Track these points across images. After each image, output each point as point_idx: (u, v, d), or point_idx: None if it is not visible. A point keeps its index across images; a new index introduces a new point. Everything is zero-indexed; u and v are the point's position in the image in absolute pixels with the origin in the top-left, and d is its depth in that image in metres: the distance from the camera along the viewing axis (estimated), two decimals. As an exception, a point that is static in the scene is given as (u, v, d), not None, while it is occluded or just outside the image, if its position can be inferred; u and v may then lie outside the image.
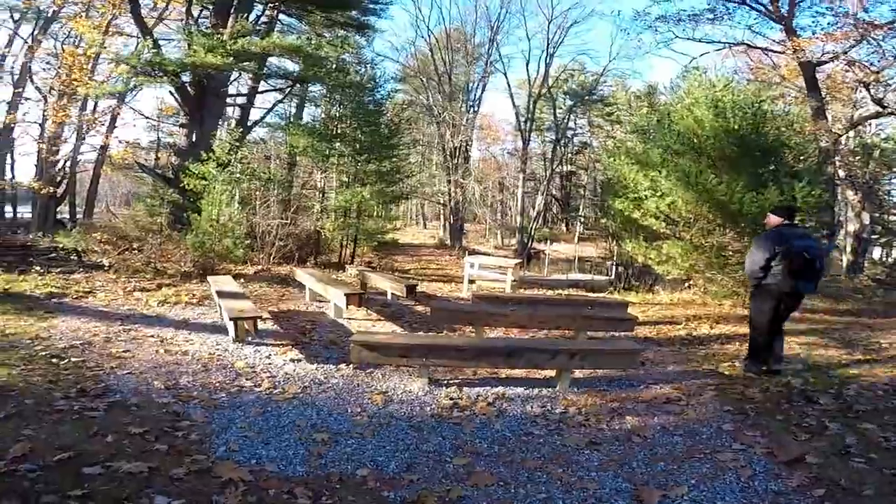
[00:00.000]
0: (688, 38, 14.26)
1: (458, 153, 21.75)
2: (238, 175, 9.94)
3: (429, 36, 22.13)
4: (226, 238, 8.38)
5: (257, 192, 11.02)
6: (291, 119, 13.98)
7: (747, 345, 4.77)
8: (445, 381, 4.13)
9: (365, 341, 3.90)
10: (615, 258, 13.98)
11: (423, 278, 11.15)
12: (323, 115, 12.69)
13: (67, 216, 16.10)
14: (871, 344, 5.73)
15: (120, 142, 15.63)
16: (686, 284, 9.92)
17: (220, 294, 5.51)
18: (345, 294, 5.65)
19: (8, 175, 16.72)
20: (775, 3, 12.54)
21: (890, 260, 21.91)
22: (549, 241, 26.20)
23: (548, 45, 22.25)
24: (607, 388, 4.14)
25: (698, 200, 8.14)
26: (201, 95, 10.28)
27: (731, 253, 8.28)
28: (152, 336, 4.87)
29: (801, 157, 9.94)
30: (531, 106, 23.28)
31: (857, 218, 15.98)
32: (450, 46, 22.61)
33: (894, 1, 11.68)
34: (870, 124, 17.64)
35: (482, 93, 24.37)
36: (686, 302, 8.92)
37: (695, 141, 8.79)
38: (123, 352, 4.34)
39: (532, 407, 3.72)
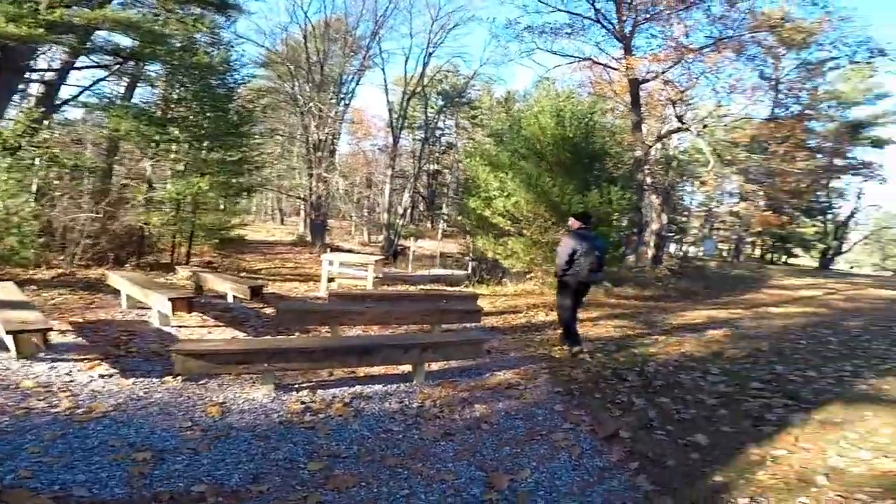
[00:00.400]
0: (547, 50, 15.58)
1: (323, 146, 20.73)
2: (32, 161, 8.06)
3: (305, 23, 20.68)
4: (9, 236, 6.73)
5: (59, 182, 9.06)
6: (117, 99, 11.79)
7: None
8: (296, 386, 3.87)
9: (191, 350, 3.45)
10: (472, 254, 14.85)
11: (276, 278, 10.41)
12: (159, 97, 10.97)
13: None
14: (665, 325, 6.84)
15: None
16: (528, 276, 10.93)
17: (-6, 304, 4.37)
18: (169, 299, 4.95)
19: None
20: (621, 24, 14.26)
21: (681, 253, 27.09)
22: (415, 238, 26.68)
23: (429, 44, 22.53)
24: (459, 379, 4.31)
25: (537, 201, 9.02)
26: (-7, 69, 8.06)
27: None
28: None
29: (619, 165, 11.60)
30: (405, 103, 23.34)
31: (658, 218, 19.13)
32: (327, 36, 21.41)
33: (709, 30, 13.72)
34: (672, 138, 21.34)
35: (356, 86, 23.63)
36: (528, 292, 9.76)
37: (538, 146, 9.71)
38: None
39: (390, 403, 3.69)
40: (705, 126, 15.13)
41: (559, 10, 14.79)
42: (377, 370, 4.28)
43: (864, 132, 24.44)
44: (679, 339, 5.97)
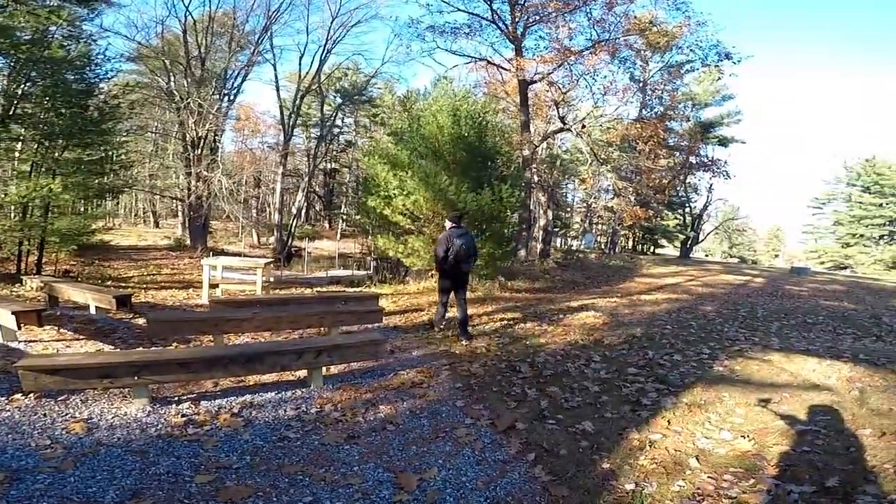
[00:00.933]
0: (447, 50, 15.86)
1: (202, 143, 18.95)
2: None
3: (186, 16, 18.55)
4: None
5: None
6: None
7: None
8: (175, 398, 3.56)
9: (42, 365, 3.01)
10: (373, 253, 14.68)
11: (150, 286, 9.37)
12: (-1, 93, 9.24)
13: None
14: (552, 315, 7.27)
15: None
16: (430, 274, 11.12)
17: None
18: (13, 312, 4.24)
19: None
20: (514, 25, 14.87)
21: (565, 247, 29.44)
22: (310, 239, 25.63)
23: (327, 41, 21.51)
24: (361, 380, 4.24)
25: (435, 199, 9.21)
26: None
27: (460, 245, 9.61)
28: None
29: (509, 164, 12.24)
30: (298, 100, 22.17)
31: (545, 214, 20.40)
32: (210, 30, 19.45)
33: (589, 32, 14.81)
34: (555, 138, 22.89)
35: (243, 82, 21.87)
36: (430, 290, 9.90)
37: (436, 145, 9.90)
38: None
39: (285, 411, 3.52)
40: (584, 126, 16.31)
41: (460, 9, 15.16)
42: (270, 378, 4.08)
43: (713, 131, 28.69)
44: (565, 328, 6.35)
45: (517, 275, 12.40)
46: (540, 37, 15.92)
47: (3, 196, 8.51)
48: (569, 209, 35.51)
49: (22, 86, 8.89)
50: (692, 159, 22.80)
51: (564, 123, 16.83)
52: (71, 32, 9.77)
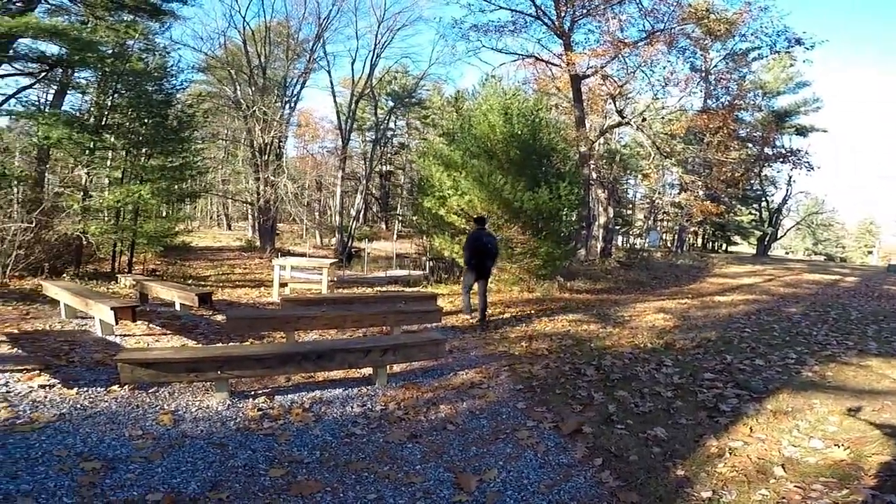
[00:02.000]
0: (492, 48, 15.89)
1: (269, 149, 20.10)
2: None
3: (244, 27, 19.87)
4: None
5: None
6: (45, 107, 10.93)
7: (484, 311, 6.69)
8: (252, 393, 3.77)
9: (138, 358, 3.30)
10: (428, 253, 14.85)
11: (226, 285, 10.04)
12: (91, 105, 10.30)
13: None
14: (617, 317, 7.05)
15: None
16: (487, 274, 11.03)
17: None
18: (112, 308, 4.69)
19: None
20: (560, 20, 14.55)
21: (628, 245, 28.30)
22: (369, 240, 26.38)
23: (375, 46, 22.10)
24: (422, 380, 4.30)
25: (490, 199, 9.16)
26: None
27: (515, 244, 9.53)
28: None
29: (566, 161, 11.92)
30: (353, 105, 22.96)
31: (605, 212, 19.68)
32: (268, 40, 20.66)
33: (641, 23, 14.10)
34: (614, 132, 22.04)
35: (302, 89, 22.96)
36: (485, 290, 9.93)
37: (488, 145, 9.84)
38: None
39: (352, 407, 3.64)
40: (644, 119, 15.55)
41: (501, 7, 14.92)
42: (337, 374, 4.23)
43: (790, 120, 26.47)
44: (631, 331, 6.14)
45: (577, 275, 12.06)
46: (589, 30, 15.42)
47: (100, 201, 9.44)
48: (630, 206, 34.08)
49: (110, 97, 9.83)
50: (767, 150, 21.13)
51: (623, 117, 16.10)
52: (147, 45, 10.67)
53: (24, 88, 9.66)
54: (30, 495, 2.27)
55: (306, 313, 5.12)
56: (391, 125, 34.90)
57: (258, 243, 20.36)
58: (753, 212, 30.88)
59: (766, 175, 27.07)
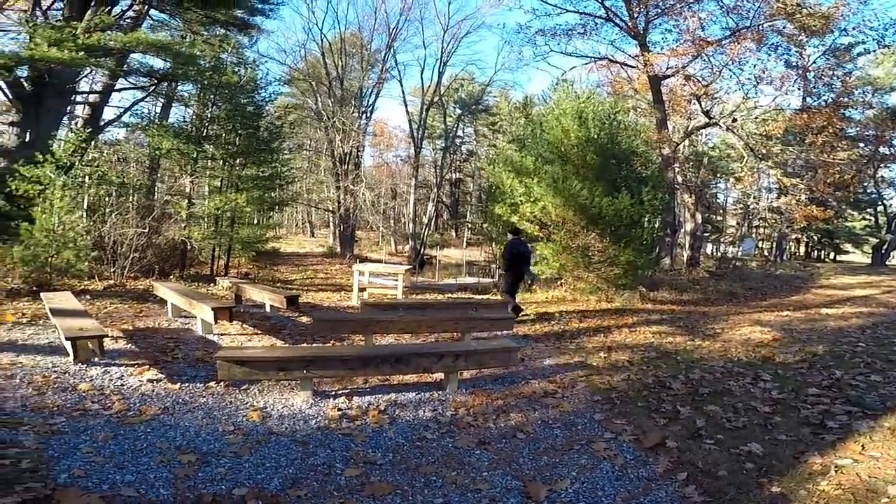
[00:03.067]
0: (561, 52, 15.31)
1: (348, 159, 21.17)
2: (83, 179, 8.57)
3: (322, 39, 21.27)
4: (66, 250, 7.15)
5: (108, 199, 9.58)
6: (155, 119, 12.44)
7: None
8: (333, 393, 3.95)
9: (234, 356, 3.58)
10: (498, 261, 14.73)
11: (309, 288, 10.65)
12: (193, 116, 11.52)
13: None
14: (707, 329, 6.61)
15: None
16: (559, 282, 10.76)
17: (56, 312, 4.68)
18: (212, 308, 5.14)
19: None
20: (633, 21, 13.97)
21: (718, 253, 26.15)
22: (440, 247, 26.77)
23: (442, 54, 22.66)
24: (492, 387, 4.28)
25: (565, 205, 8.87)
26: (40, 92, 8.73)
27: (593, 252, 9.16)
28: (-38, 363, 3.98)
29: (648, 165, 11.29)
30: (423, 113, 23.59)
31: (692, 218, 18.52)
32: (344, 51, 21.95)
33: (724, 21, 13.32)
34: (700, 134, 20.67)
35: (376, 99, 24.07)
36: (559, 299, 9.61)
37: (562, 149, 9.57)
38: None
39: (424, 411, 3.71)
40: (735, 120, 14.61)
41: (568, 10, 14.55)
42: (410, 378, 4.32)
43: None
44: (723, 344, 5.76)
45: (660, 285, 11.35)
46: (666, 30, 14.61)
47: (202, 208, 10.46)
48: (721, 212, 31.56)
49: (209, 110, 10.88)
50: (883, 150, 18.62)
51: (710, 118, 15.15)
52: (238, 59, 11.67)
53: (138, 102, 11.01)
54: (132, 486, 2.47)
55: (383, 317, 5.31)
56: (459, 132, 35.27)
57: (339, 249, 21.43)
58: (868, 217, 27.32)
59: (882, 177, 23.87)
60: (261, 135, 11.34)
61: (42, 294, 5.80)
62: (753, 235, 29.40)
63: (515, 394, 4.13)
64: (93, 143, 9.16)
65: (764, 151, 15.57)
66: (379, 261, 19.24)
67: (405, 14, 22.08)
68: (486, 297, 10.04)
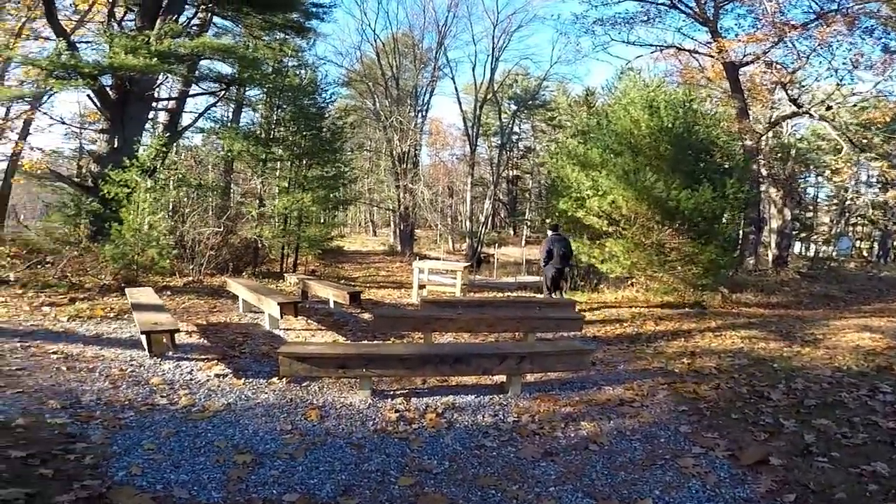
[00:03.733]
0: (623, 42, 14.58)
1: (406, 158, 21.41)
2: (164, 181, 9.18)
3: (375, 40, 21.73)
4: (150, 248, 7.66)
5: (187, 200, 10.23)
6: (228, 123, 13.22)
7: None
8: (391, 392, 3.84)
9: (296, 353, 3.55)
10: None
11: (371, 285, 10.78)
12: (261, 119, 12.08)
13: None
14: (806, 335, 5.90)
15: (33, 149, 14.12)
16: (630, 282, 10.13)
17: (136, 307, 4.95)
18: (279, 303, 5.23)
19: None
20: (701, 7, 13.09)
21: (810, 253, 23.73)
22: (497, 245, 26.41)
23: (493, 49, 22.27)
24: (560, 392, 3.99)
25: (638, 198, 8.27)
26: (124, 99, 9.47)
27: (669, 250, 8.50)
28: (55, 353, 4.27)
29: (730, 156, 10.40)
30: (477, 111, 23.34)
31: (779, 214, 17.00)
32: (397, 51, 22.29)
33: (806, 4, 12.29)
34: (786, 124, 18.93)
35: (430, 97, 24.23)
36: (630, 300, 9.06)
37: (632, 140, 8.97)
38: (17, 370, 3.75)
39: (484, 416, 3.49)
40: (829, 108, 13.28)
41: None
42: (469, 380, 4.12)
43: None
44: (828, 351, 5.10)
45: (744, 286, 10.38)
46: (739, 15, 13.63)
47: (271, 208, 10.89)
48: (811, 208, 28.59)
49: (275, 112, 11.32)
50: None
51: (799, 106, 13.80)
52: (299, 62, 12.05)
53: (210, 107, 11.68)
54: (185, 486, 2.42)
55: (442, 315, 5.15)
56: (516, 129, 34.59)
57: (399, 248, 21.75)
58: None
59: None
60: (324, 135, 11.63)
61: (126, 290, 6.20)
62: (850, 234, 26.45)
63: (586, 401, 3.82)
64: (172, 147, 9.81)
65: (864, 142, 13.89)
66: (437, 258, 19.25)
67: (453, 10, 22.04)
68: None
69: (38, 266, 7.77)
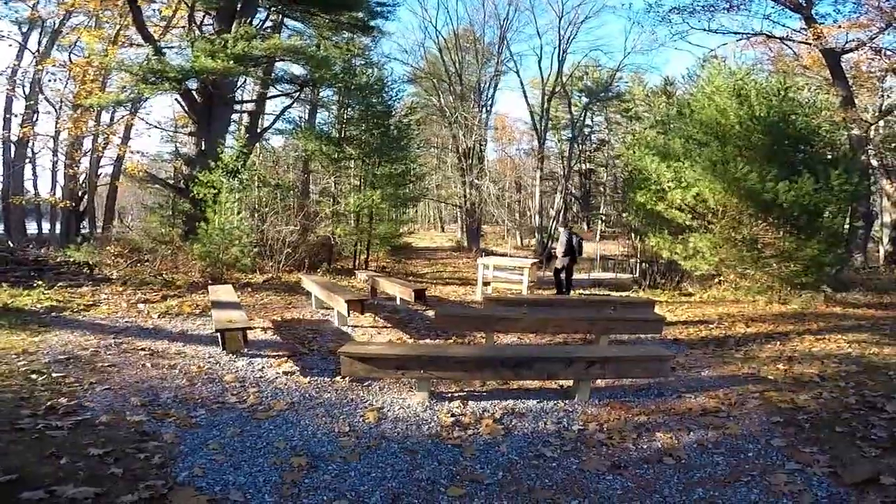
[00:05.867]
0: (703, 30, 13.75)
1: (472, 154, 21.33)
2: (246, 182, 9.79)
3: (437, 37, 21.83)
4: (233, 247, 8.20)
5: (267, 200, 10.87)
6: (303, 124, 13.91)
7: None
8: (449, 395, 3.74)
9: (357, 353, 3.56)
10: (639, 255, 13.36)
11: (438, 282, 10.81)
12: (333, 119, 12.55)
13: (90, 230, 16.24)
14: None
15: (133, 153, 15.73)
16: (716, 280, 9.33)
17: (215, 304, 5.26)
18: (346, 300, 5.33)
19: (30, 190, 17.01)
20: None
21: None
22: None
23: (560, 41, 21.51)
24: (633, 399, 3.70)
25: (727, 190, 7.61)
26: (208, 102, 10.19)
27: (763, 245, 7.72)
28: (143, 349, 4.61)
29: (832, 147, 9.36)
30: (545, 104, 22.67)
31: (893, 207, 15.19)
32: (458, 47, 22.24)
33: None
34: (897, 112, 16.77)
35: (495, 92, 23.96)
36: (717, 299, 8.37)
37: (718, 130, 8.30)
38: (108, 366, 4.08)
39: (545, 423, 3.30)
40: None
41: None
42: (532, 384, 3.92)
43: None
44: None
45: (851, 285, 9.18)
46: (837, 0, 12.77)
47: (344, 206, 11.27)
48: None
49: (346, 111, 11.66)
50: None
51: None
52: (366, 61, 12.28)
53: (286, 108, 12.31)
54: (241, 489, 2.43)
55: (508, 314, 4.97)
56: (588, 122, 33.16)
57: (466, 244, 21.73)
58: None
59: None
60: (391, 133, 11.82)
61: (209, 287, 6.65)
62: None
63: (664, 409, 3.51)
64: (254, 148, 10.42)
65: None
66: (504, 254, 18.95)
67: (514, 4, 21.62)
68: (625, 294, 9.13)
69: (138, 265, 8.59)
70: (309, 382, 3.97)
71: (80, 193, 15.07)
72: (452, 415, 3.39)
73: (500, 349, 4.07)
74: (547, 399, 3.66)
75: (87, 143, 15.12)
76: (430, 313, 6.77)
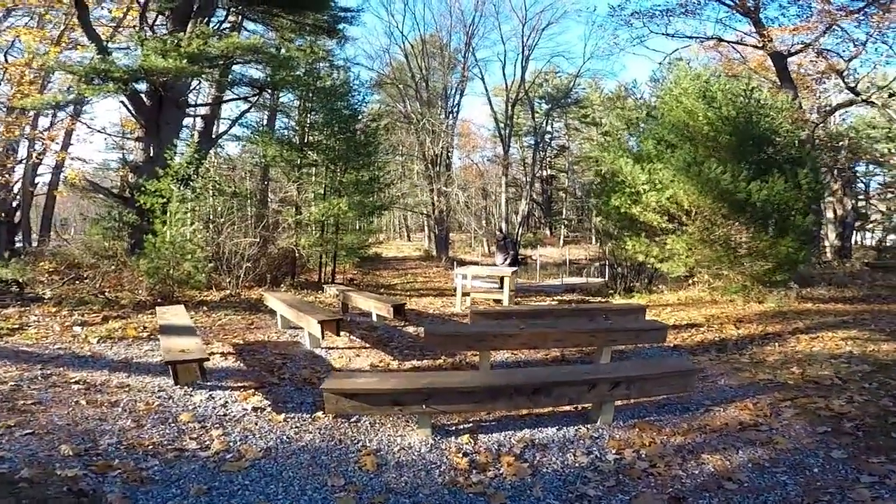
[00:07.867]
0: (662, 34, 14.24)
1: (439, 161, 21.05)
2: (200, 190, 8.94)
3: (404, 42, 21.59)
4: (185, 261, 7.39)
5: (223, 210, 9.99)
6: (262, 128, 13.06)
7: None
8: (453, 428, 3.27)
9: (342, 389, 2.99)
10: (608, 258, 13.42)
11: (411, 293, 10.30)
12: (294, 124, 11.84)
13: (24, 244, 14.61)
14: None
15: (74, 160, 14.36)
16: (690, 281, 9.37)
17: (164, 329, 4.46)
18: (319, 321, 4.75)
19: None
20: None
21: (867, 243, 22.15)
22: (534, 246, 25.65)
23: (523, 48, 21.73)
24: (659, 417, 3.38)
25: (700, 191, 7.61)
26: (158, 106, 9.32)
27: (738, 245, 7.78)
28: (77, 382, 3.86)
29: (800, 146, 9.72)
30: (509, 111, 22.76)
31: (839, 204, 16.12)
32: (425, 53, 22.04)
33: None
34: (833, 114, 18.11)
35: (461, 99, 23.92)
36: (695, 300, 8.34)
37: (687, 132, 8.36)
38: (32, 404, 3.35)
39: (574, 455, 2.88)
40: (892, 95, 13.07)
41: None
42: (544, 408, 3.50)
43: None
44: None
45: (813, 280, 9.47)
46: (781, 5, 13.23)
47: (308, 215, 10.55)
48: (861, 197, 26.94)
49: (308, 116, 11.03)
50: None
51: (857, 94, 13.39)
52: (330, 64, 11.75)
53: (244, 113, 11.56)
54: None
55: (503, 331, 4.52)
56: (549, 128, 33.79)
57: (434, 252, 21.34)
58: None
59: None
60: (358, 138, 11.26)
61: (157, 308, 5.80)
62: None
63: (697, 427, 3.20)
64: (207, 155, 9.59)
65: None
66: (474, 262, 18.69)
67: (479, 10, 21.79)
68: (604, 299, 8.96)
69: (76, 282, 7.61)
70: (285, 420, 3.34)
71: (13, 204, 13.51)
72: (465, 454, 2.91)
73: (511, 375, 3.61)
74: (566, 425, 3.26)
75: (23, 150, 13.67)
76: (411, 329, 6.28)
